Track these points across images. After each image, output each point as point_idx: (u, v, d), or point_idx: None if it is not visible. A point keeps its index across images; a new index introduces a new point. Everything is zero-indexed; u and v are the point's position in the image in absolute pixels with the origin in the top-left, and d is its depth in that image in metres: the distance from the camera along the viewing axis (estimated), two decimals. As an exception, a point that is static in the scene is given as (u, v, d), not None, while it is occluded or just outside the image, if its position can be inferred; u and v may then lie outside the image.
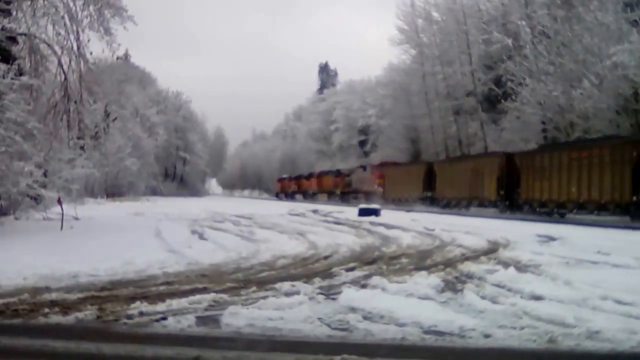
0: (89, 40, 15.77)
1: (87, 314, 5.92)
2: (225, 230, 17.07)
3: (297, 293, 6.98)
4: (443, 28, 44.88)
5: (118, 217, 22.12)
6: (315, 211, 30.84)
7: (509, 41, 35.42)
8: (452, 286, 7.69)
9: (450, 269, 9.04)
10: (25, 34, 15.64)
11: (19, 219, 18.03)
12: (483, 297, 6.86)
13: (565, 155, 24.62)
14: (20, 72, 15.10)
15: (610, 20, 27.85)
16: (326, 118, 71.68)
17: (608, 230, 17.57)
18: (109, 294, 7.03)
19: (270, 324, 5.60)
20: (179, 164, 78.58)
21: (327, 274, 8.68)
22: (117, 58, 49.91)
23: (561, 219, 24.04)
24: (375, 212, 25.21)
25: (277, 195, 74.89)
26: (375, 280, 7.89)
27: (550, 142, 30.74)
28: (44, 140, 16.21)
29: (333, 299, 6.85)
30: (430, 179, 36.27)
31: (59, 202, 18.06)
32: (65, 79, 15.79)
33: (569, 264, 9.71)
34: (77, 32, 15.51)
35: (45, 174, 18.73)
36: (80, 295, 6.89)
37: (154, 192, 61.94)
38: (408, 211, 29.98)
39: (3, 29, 14.53)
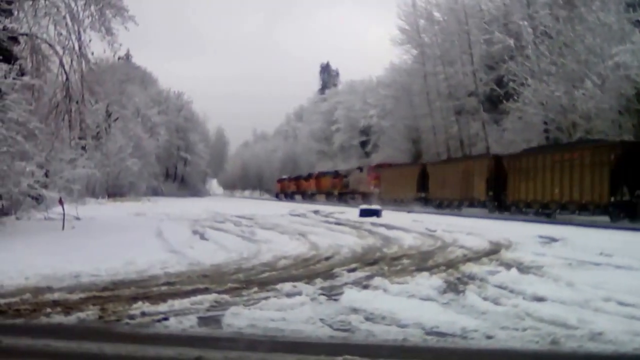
0: (90, 41, 15.88)
1: (89, 314, 5.93)
2: (226, 230, 17.07)
3: (299, 294, 6.98)
4: (444, 28, 44.79)
5: (119, 217, 22.13)
6: (316, 212, 30.82)
7: (511, 41, 35.34)
8: (454, 287, 7.68)
9: (452, 270, 9.02)
10: (26, 34, 15.67)
11: (21, 219, 18.04)
12: (485, 299, 6.85)
13: (548, 157, 25.49)
14: (21, 72, 15.13)
15: (613, 20, 27.80)
16: (327, 118, 71.66)
17: (610, 231, 17.55)
18: (111, 294, 7.04)
19: (271, 324, 5.60)
20: (180, 165, 78.60)
21: (328, 274, 8.67)
22: (119, 58, 50.10)
23: (547, 218, 24.33)
24: (376, 213, 25.25)
25: (277, 196, 74.94)
26: (377, 281, 7.88)
27: (537, 145, 31.28)
28: (46, 140, 16.24)
29: (335, 299, 6.84)
30: (424, 180, 36.57)
31: (61, 202, 18.08)
32: (67, 79, 15.83)
33: (572, 265, 9.70)
34: (79, 32, 15.57)
35: (46, 174, 18.74)
36: (82, 295, 6.90)
37: (155, 192, 61.92)
38: (409, 212, 29.97)
39: (4, 29, 14.54)
